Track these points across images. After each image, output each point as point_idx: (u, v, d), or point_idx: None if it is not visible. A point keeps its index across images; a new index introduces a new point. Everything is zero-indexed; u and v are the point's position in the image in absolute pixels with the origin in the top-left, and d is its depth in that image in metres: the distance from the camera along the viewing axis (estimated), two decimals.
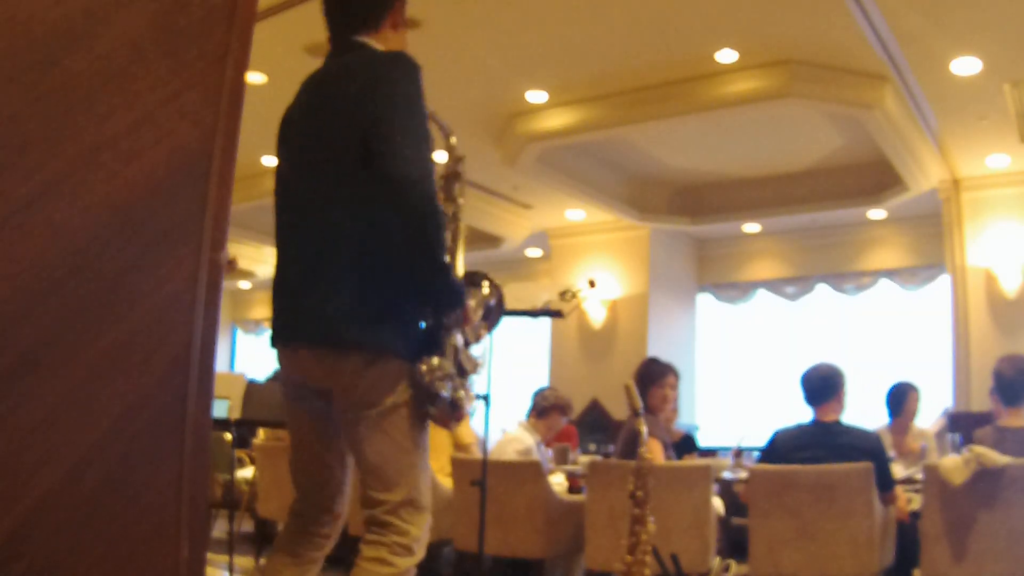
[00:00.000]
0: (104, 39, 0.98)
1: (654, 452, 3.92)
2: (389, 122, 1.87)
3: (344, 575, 1.96)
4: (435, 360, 1.92)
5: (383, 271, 1.92)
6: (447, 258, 1.94)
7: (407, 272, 1.92)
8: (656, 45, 5.62)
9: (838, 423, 3.79)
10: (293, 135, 2.07)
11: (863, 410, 5.45)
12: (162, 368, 1.00)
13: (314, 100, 2.04)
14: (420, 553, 1.95)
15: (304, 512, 2.08)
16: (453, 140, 2.18)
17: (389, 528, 1.92)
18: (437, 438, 4.85)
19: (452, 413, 1.94)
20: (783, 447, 3.81)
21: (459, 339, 2.01)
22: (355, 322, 1.90)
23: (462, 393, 1.95)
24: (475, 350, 2.06)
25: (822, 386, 3.83)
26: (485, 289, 2.15)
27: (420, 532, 1.95)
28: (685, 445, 4.83)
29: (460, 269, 2.09)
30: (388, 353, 1.91)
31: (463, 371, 1.99)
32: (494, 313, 2.18)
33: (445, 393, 1.91)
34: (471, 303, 2.03)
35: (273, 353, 2.06)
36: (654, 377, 4.18)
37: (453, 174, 2.17)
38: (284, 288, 2.02)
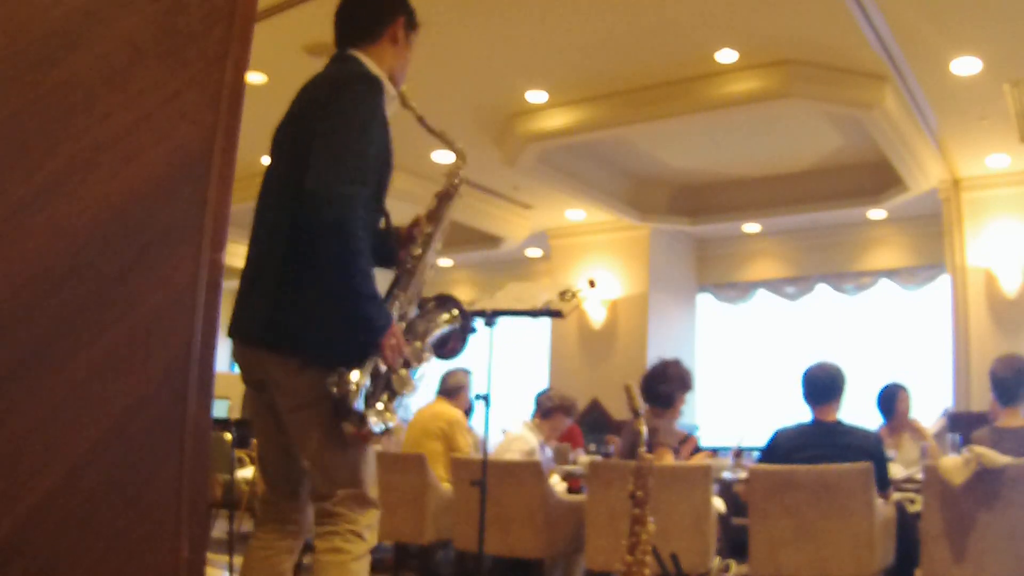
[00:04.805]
0: (104, 39, 0.98)
1: (664, 460, 3.92)
2: (324, 141, 1.91)
3: None
4: (349, 374, 1.91)
5: (321, 280, 1.94)
6: (364, 286, 1.89)
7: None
8: (656, 45, 5.62)
9: (839, 423, 3.79)
10: (277, 139, 2.13)
11: (863, 410, 5.44)
12: (162, 368, 1.00)
13: (294, 108, 2.11)
14: (371, 540, 1.99)
15: (273, 501, 2.13)
16: (459, 161, 2.22)
17: (339, 517, 1.96)
18: (431, 446, 4.84)
19: (361, 428, 1.92)
20: (783, 447, 3.81)
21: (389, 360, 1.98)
22: (290, 326, 1.94)
23: (373, 411, 1.93)
24: (415, 372, 2.07)
25: (827, 386, 3.82)
26: (445, 315, 2.18)
27: (369, 521, 1.99)
28: None
29: (413, 292, 2.11)
30: (320, 359, 1.93)
31: (392, 392, 1.99)
32: (455, 338, 2.20)
33: (358, 406, 1.91)
34: (401, 334, 2.00)
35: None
36: (688, 384, 4.24)
37: (447, 194, 2.20)
38: (241, 284, 2.08)
